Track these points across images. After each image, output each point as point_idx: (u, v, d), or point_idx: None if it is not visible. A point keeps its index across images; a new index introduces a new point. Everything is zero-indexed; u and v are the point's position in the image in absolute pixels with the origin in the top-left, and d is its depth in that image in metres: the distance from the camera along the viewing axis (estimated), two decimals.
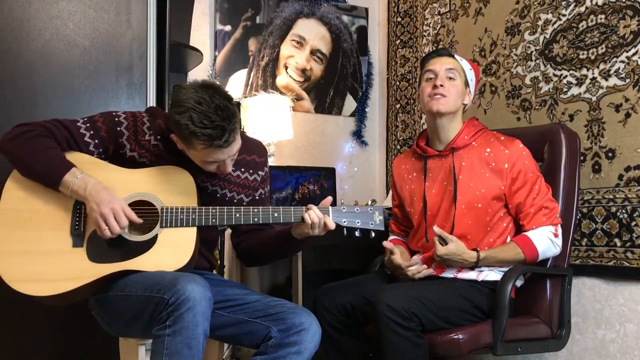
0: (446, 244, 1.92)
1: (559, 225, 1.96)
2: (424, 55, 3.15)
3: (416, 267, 2.00)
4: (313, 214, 1.67)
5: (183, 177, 1.69)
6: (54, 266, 1.57)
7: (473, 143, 2.04)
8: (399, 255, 2.02)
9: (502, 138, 2.04)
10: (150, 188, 1.66)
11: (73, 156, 1.64)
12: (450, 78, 2.02)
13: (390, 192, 2.97)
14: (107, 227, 1.55)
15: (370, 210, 1.73)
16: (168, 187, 1.66)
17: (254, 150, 1.87)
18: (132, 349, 1.75)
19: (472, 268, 1.94)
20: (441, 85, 2.00)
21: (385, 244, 2.06)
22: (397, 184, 2.21)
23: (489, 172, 1.98)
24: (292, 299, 2.54)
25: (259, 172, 1.86)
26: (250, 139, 1.94)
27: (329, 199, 1.73)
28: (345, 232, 1.72)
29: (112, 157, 1.71)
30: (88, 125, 1.68)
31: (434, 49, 3.09)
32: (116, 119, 1.70)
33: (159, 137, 1.71)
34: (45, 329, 2.10)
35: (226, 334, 1.70)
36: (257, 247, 1.86)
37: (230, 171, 1.77)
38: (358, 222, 1.72)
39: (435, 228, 1.94)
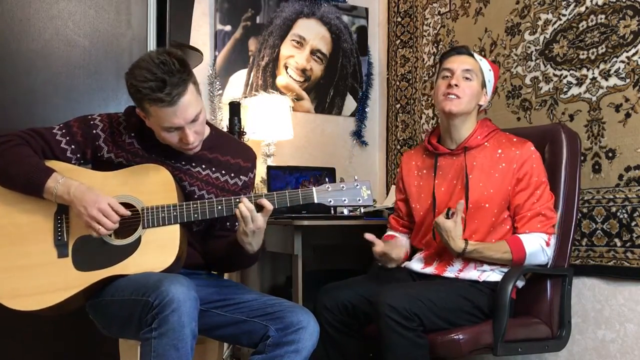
0: (448, 217, 1.89)
1: (553, 236, 1.95)
2: (424, 56, 3.17)
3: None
4: (243, 206, 1.58)
5: (160, 174, 1.66)
6: (42, 279, 1.57)
7: (485, 143, 2.03)
8: (379, 246, 1.97)
9: (515, 139, 2.02)
10: (128, 189, 1.64)
11: (49, 164, 1.64)
12: (467, 78, 2.00)
13: (391, 192, 2.98)
14: (100, 227, 1.55)
15: (357, 185, 1.67)
16: (147, 187, 1.64)
17: (239, 154, 1.82)
18: (132, 349, 1.74)
19: (457, 256, 1.92)
20: (456, 85, 1.98)
21: (367, 235, 1.97)
22: (405, 178, 2.18)
23: (498, 172, 1.98)
24: (292, 299, 2.54)
25: (241, 177, 1.81)
26: (239, 142, 1.89)
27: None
28: (332, 211, 1.66)
29: (91, 161, 1.71)
30: (64, 131, 1.68)
31: (431, 51, 3.09)
32: (91, 122, 1.70)
33: (132, 134, 1.70)
34: (46, 329, 2.10)
35: (224, 334, 1.69)
36: (211, 253, 1.80)
37: (209, 172, 1.74)
38: (345, 200, 1.65)
39: (460, 202, 1.90)
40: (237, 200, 1.61)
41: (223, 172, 1.78)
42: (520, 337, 1.92)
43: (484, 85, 2.05)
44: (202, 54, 2.69)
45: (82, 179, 1.61)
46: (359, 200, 1.66)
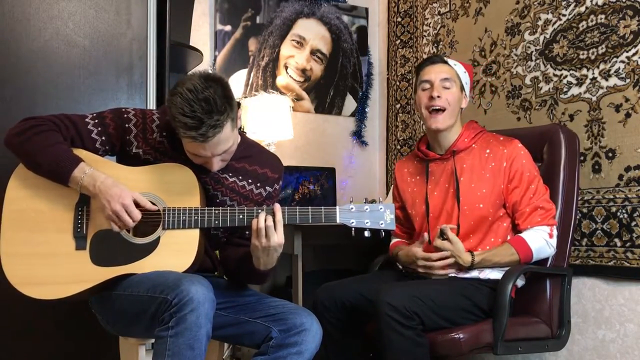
0: (444, 239, 1.93)
1: (554, 227, 1.97)
2: (424, 55, 3.17)
3: (440, 262, 1.94)
4: (262, 218, 1.56)
5: (185, 175, 1.65)
6: (59, 269, 1.57)
7: (473, 145, 2.07)
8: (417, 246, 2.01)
9: (501, 138, 2.07)
10: (152, 187, 1.63)
11: (77, 152, 1.62)
12: (446, 87, 2.04)
13: (390, 193, 2.98)
14: (120, 223, 1.55)
15: (381, 208, 1.63)
16: (170, 186, 1.64)
17: (267, 164, 1.80)
18: (132, 349, 1.74)
19: (468, 268, 1.95)
20: (438, 97, 2.02)
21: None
22: (400, 186, 2.22)
23: (489, 172, 2.00)
24: (292, 299, 2.54)
25: (267, 188, 1.78)
26: (268, 153, 1.88)
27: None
28: (353, 232, 1.63)
29: (118, 154, 1.70)
30: (97, 121, 1.67)
31: (431, 51, 3.10)
32: (125, 116, 1.68)
33: (164, 133, 1.68)
34: (46, 328, 2.10)
35: (227, 334, 1.69)
36: (226, 260, 1.79)
37: (236, 180, 1.73)
38: (367, 222, 1.62)
39: (444, 225, 1.95)
40: (259, 210, 1.59)
41: (250, 181, 1.76)
42: (520, 336, 1.92)
43: (462, 89, 2.10)
44: (202, 54, 2.69)
45: (107, 171, 1.60)
46: (382, 224, 1.62)
